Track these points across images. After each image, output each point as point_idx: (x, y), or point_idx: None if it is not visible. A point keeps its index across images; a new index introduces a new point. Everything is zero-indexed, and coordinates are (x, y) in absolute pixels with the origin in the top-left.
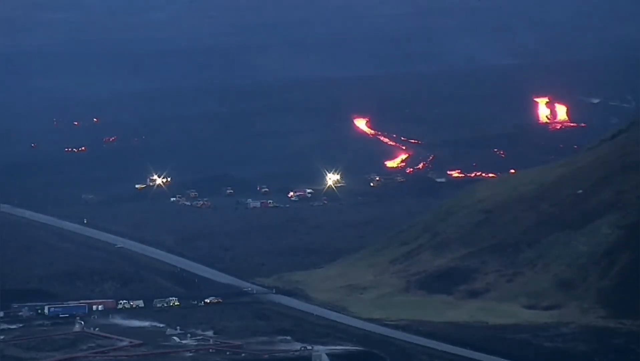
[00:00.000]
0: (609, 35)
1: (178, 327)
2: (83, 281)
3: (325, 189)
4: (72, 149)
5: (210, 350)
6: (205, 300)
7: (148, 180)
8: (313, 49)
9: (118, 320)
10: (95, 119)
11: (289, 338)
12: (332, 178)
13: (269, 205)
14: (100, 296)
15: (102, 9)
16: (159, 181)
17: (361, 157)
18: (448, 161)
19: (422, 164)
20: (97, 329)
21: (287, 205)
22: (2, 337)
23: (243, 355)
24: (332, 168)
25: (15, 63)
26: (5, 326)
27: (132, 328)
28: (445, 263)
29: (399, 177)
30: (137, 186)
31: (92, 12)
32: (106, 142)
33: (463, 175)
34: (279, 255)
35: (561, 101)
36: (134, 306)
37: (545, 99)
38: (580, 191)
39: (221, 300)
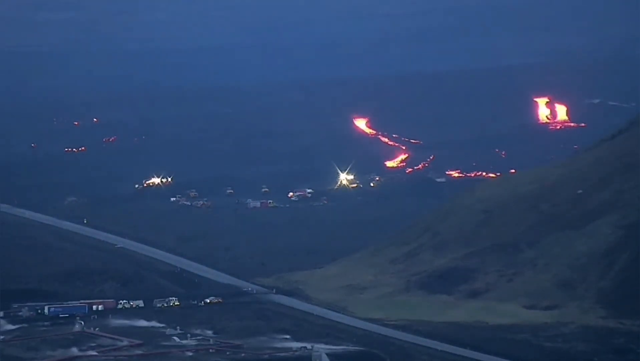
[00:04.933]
0: (608, 35)
1: (178, 327)
2: (83, 281)
3: (338, 187)
4: (72, 149)
5: (210, 350)
6: (206, 300)
7: (143, 183)
8: (313, 49)
9: (118, 320)
10: (95, 119)
11: (289, 337)
12: (345, 178)
13: (269, 205)
14: (100, 296)
15: (102, 9)
16: (157, 181)
17: (361, 157)
18: (448, 161)
19: (422, 164)
20: (97, 329)
21: (287, 205)
22: (2, 337)
23: (243, 355)
24: (334, 168)
25: (15, 63)
26: (5, 326)
27: (132, 328)
28: (445, 263)
29: (399, 178)
30: (137, 186)
31: (92, 12)
32: (106, 142)
33: (463, 175)
34: (279, 255)
35: (561, 101)
36: (134, 306)
37: (545, 99)
38: (580, 191)
39: (221, 300)
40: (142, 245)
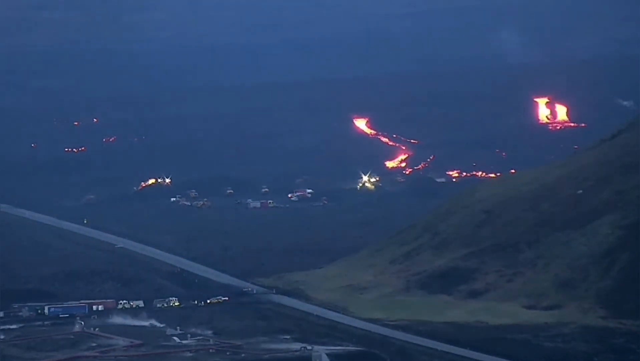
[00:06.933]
0: (608, 35)
1: (178, 327)
2: (83, 281)
3: (363, 185)
4: (72, 149)
5: (210, 350)
6: (207, 300)
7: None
8: (313, 49)
9: (118, 320)
10: (95, 119)
11: (288, 338)
12: (367, 179)
13: (269, 205)
14: (100, 296)
15: (102, 9)
16: (153, 181)
17: (361, 157)
18: (448, 161)
19: (422, 164)
20: (97, 329)
21: (287, 205)
22: (2, 337)
23: (243, 355)
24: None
25: (15, 63)
26: (5, 326)
27: (132, 328)
28: (445, 263)
29: (399, 178)
30: (137, 186)
31: (92, 12)
32: (106, 142)
33: (463, 175)
34: (279, 255)
35: (561, 101)
36: (134, 306)
37: (545, 99)
38: (580, 191)
39: (227, 299)
40: (142, 245)
